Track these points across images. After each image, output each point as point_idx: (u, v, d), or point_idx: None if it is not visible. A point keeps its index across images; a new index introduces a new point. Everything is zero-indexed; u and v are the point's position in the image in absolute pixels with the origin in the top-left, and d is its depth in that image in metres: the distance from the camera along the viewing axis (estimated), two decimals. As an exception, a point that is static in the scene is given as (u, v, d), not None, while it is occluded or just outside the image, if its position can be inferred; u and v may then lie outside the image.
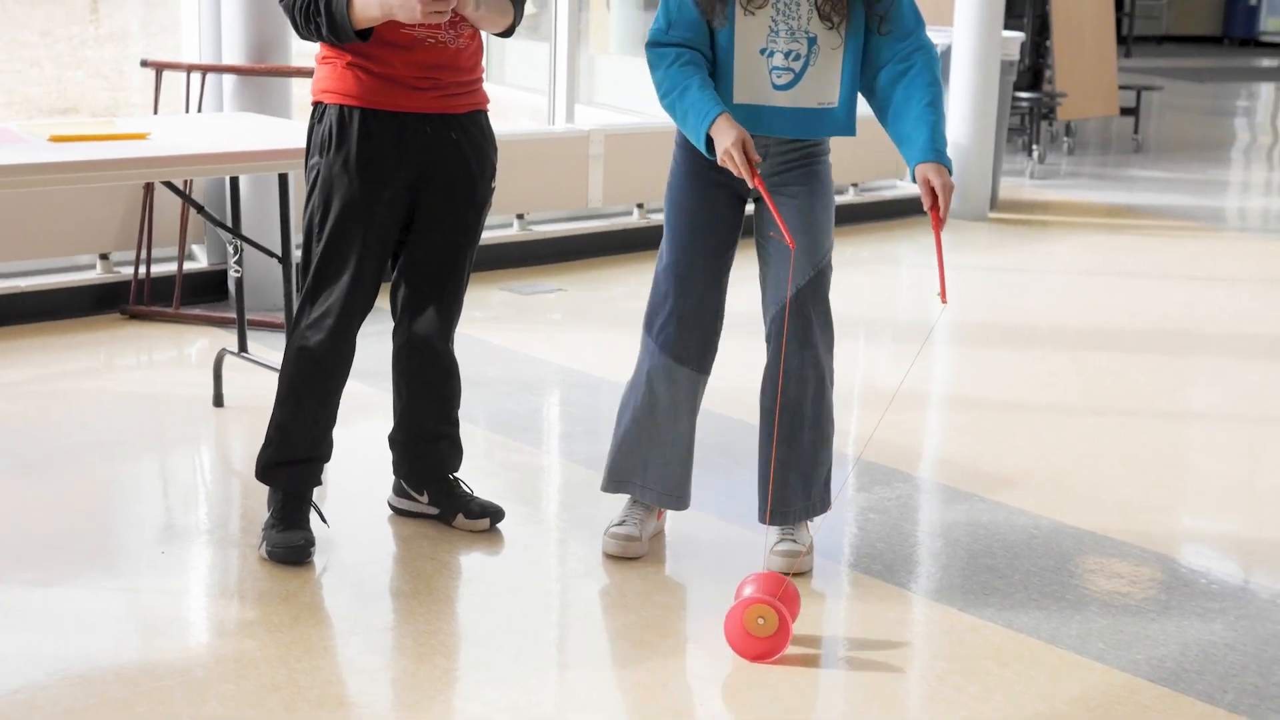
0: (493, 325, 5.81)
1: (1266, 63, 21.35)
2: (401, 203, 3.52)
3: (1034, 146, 10.14)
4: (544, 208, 6.96)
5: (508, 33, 3.60)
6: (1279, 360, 5.83)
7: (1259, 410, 5.20)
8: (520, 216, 6.85)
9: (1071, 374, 5.55)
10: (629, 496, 3.73)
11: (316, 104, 3.53)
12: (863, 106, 3.49)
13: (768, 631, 3.13)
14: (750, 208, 3.57)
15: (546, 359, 5.45)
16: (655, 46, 3.40)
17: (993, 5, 8.16)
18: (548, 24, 7.86)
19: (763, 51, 3.38)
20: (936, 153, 3.26)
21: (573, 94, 7.57)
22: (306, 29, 3.39)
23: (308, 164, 3.54)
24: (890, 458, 4.43)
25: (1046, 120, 10.51)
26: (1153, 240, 8.17)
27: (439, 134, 3.51)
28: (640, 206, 7.25)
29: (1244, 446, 4.84)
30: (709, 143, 3.27)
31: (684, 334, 3.56)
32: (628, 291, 6.59)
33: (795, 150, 3.46)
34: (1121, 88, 11.25)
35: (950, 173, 3.27)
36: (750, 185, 3.28)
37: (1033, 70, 10.42)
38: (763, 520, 3.62)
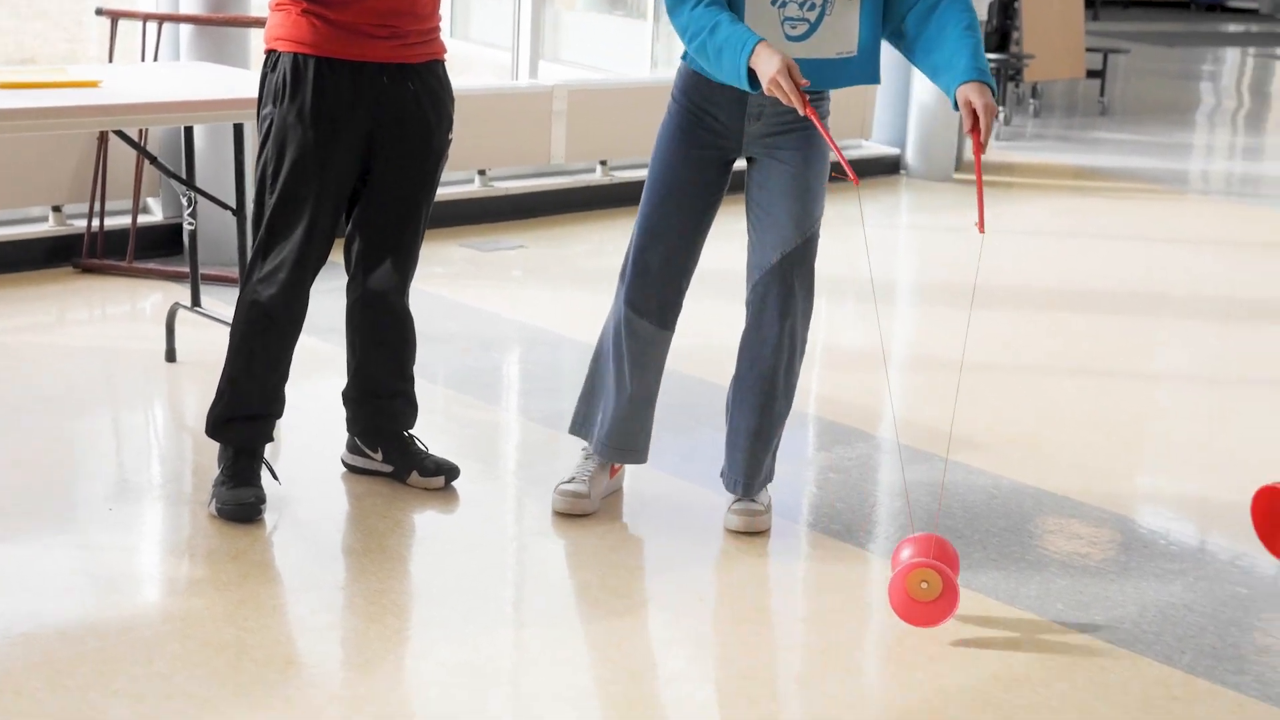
0: (453, 281, 5.75)
1: (1232, 28, 21.40)
2: (357, 153, 3.45)
3: (1000, 108, 10.10)
4: (506, 164, 6.89)
5: None
6: (1241, 323, 5.82)
7: (1223, 372, 5.19)
8: (482, 172, 6.77)
9: (1036, 335, 5.52)
10: (583, 452, 3.70)
11: (270, 51, 3.45)
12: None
13: (931, 595, 3.03)
14: (742, 163, 3.49)
15: (507, 316, 5.39)
16: None
17: (960, -36, 8.10)
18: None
19: (774, 2, 3.27)
20: (979, 72, 3.15)
21: (536, 49, 7.49)
22: None
23: (260, 114, 3.46)
24: (851, 417, 4.40)
25: (1013, 82, 10.48)
26: (1118, 203, 8.16)
27: (396, 83, 3.44)
28: (603, 164, 7.18)
29: (1207, 409, 4.82)
30: (751, 77, 3.12)
31: (646, 287, 3.51)
32: (590, 249, 6.54)
33: (792, 110, 3.36)
34: (1088, 50, 11.22)
35: (994, 95, 3.16)
36: (802, 114, 3.12)
37: (1000, 31, 10.37)
38: (733, 490, 3.59)
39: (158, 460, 4.00)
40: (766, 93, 3.11)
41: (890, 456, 4.17)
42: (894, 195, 8.01)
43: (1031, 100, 11.01)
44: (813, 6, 3.28)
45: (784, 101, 3.10)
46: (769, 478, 3.62)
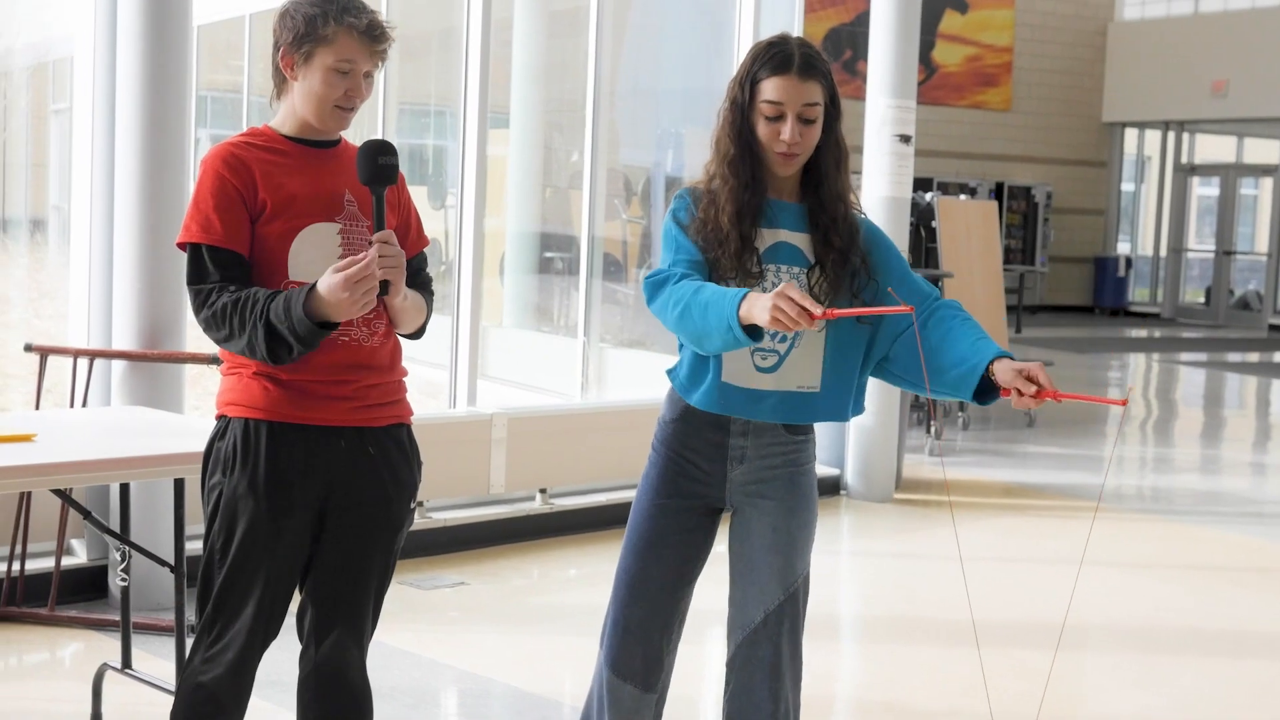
0: (391, 624, 5.44)
1: (1134, 333, 21.93)
2: (310, 523, 3.24)
3: (932, 423, 10.11)
4: (443, 494, 6.69)
5: (418, 334, 3.42)
6: (1211, 657, 5.66)
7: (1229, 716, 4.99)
8: (420, 503, 6.57)
9: (1010, 678, 5.31)
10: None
11: (220, 417, 3.26)
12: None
13: None
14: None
15: (450, 663, 5.12)
16: (654, 278, 3.13)
17: (893, 287, 8.15)
18: (448, 296, 7.71)
19: None
20: (1009, 355, 3.00)
21: (474, 373, 7.38)
22: (252, 354, 3.12)
23: (207, 483, 3.24)
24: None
25: (941, 396, 10.51)
26: (1054, 523, 8.06)
27: (354, 449, 3.25)
28: (543, 492, 7.01)
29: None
30: (746, 328, 2.89)
31: (628, 646, 3.30)
32: (530, 584, 6.32)
33: (779, 445, 3.23)
34: (1012, 363, 11.33)
35: None
36: (820, 318, 2.79)
37: (926, 347, 10.46)
38: None
39: None
40: (771, 325, 2.82)
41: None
42: (835, 518, 7.88)
43: (960, 414, 11.05)
44: (784, 338, 3.18)
45: (794, 322, 2.79)
46: None
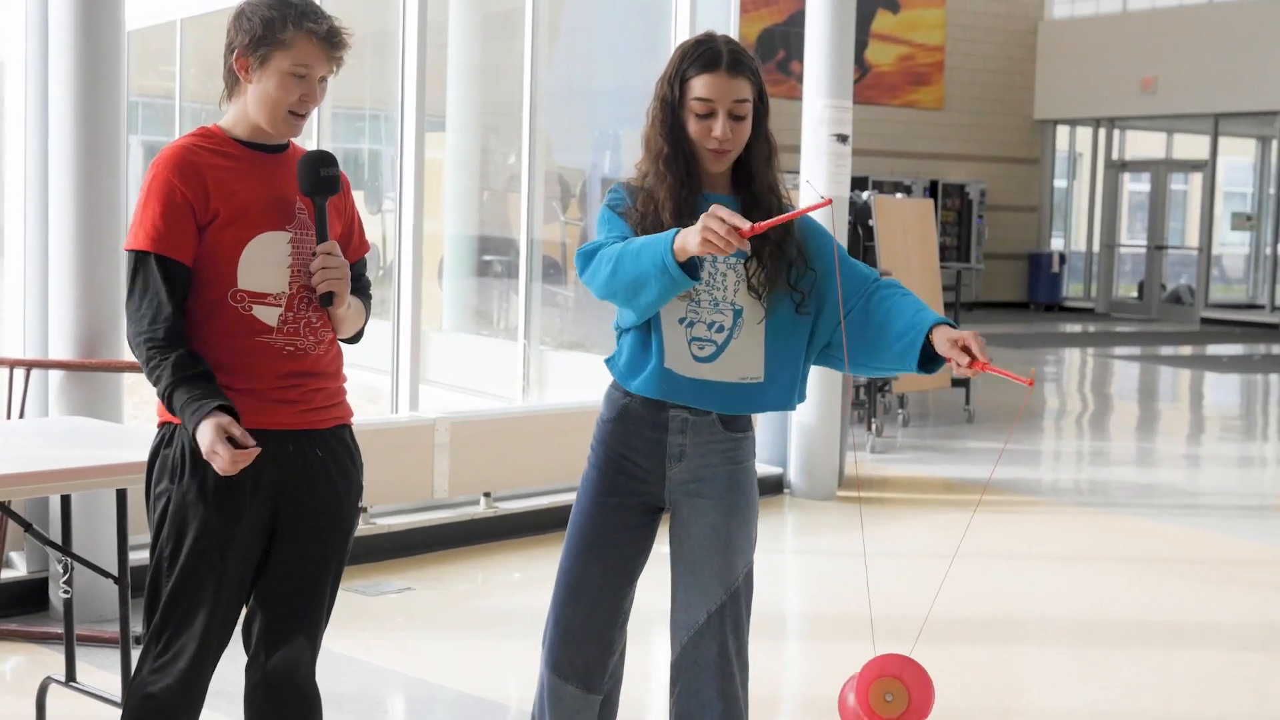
0: (337, 630, 5.39)
1: (1069, 328, 22.14)
2: (261, 529, 3.22)
3: (873, 420, 10.17)
4: (387, 500, 6.66)
5: (356, 338, 3.43)
6: (1152, 648, 5.72)
7: (1152, 708, 5.04)
8: (363, 509, 6.52)
9: (951, 673, 5.34)
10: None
11: (164, 424, 3.23)
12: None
13: (897, 710, 2.65)
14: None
15: (397, 669, 5.09)
16: (586, 249, 3.13)
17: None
18: (387, 300, 7.68)
19: (682, 321, 3.18)
20: (948, 321, 3.05)
21: (416, 378, 7.34)
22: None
23: (153, 491, 3.21)
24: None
25: (881, 393, 10.58)
26: (993, 517, 8.12)
27: (302, 452, 3.24)
28: (487, 495, 6.99)
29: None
30: (684, 266, 2.91)
31: (568, 648, 3.29)
32: (474, 589, 6.30)
33: (717, 443, 3.24)
34: (951, 360, 11.40)
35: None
36: (748, 234, 2.81)
37: (865, 344, 10.51)
38: None
39: None
40: (702, 244, 2.84)
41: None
42: (779, 516, 7.90)
43: (900, 410, 11.12)
44: (721, 329, 3.19)
45: (725, 241, 2.81)
46: None
